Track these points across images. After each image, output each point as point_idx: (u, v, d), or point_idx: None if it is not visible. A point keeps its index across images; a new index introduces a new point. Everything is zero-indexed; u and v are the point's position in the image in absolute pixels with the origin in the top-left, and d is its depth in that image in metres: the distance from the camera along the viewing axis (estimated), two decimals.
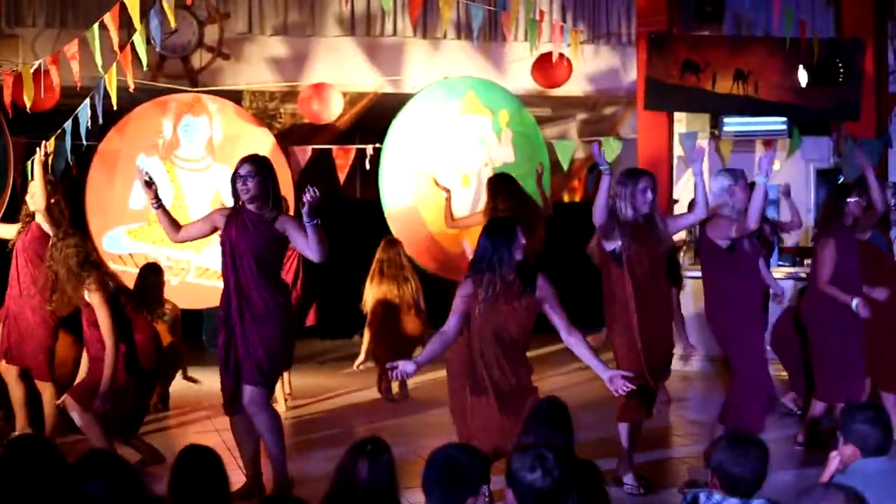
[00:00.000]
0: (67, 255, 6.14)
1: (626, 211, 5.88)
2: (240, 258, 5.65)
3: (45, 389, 6.71)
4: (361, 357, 9.07)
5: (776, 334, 7.99)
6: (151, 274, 7.52)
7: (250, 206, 5.70)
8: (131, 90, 8.43)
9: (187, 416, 8.20)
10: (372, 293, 8.96)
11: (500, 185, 8.02)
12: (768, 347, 7.43)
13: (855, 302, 6.52)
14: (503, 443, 5.05)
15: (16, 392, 6.91)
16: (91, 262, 6.19)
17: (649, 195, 5.87)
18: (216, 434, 7.34)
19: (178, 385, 8.69)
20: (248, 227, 5.66)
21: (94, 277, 6.09)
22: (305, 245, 5.61)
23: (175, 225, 5.91)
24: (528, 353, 5.41)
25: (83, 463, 3.21)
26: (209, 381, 8.63)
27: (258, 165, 5.74)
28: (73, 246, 6.19)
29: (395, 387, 8.85)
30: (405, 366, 4.97)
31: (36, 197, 6.77)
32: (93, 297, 6.04)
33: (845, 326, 6.65)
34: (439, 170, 9.56)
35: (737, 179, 6.18)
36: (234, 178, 5.73)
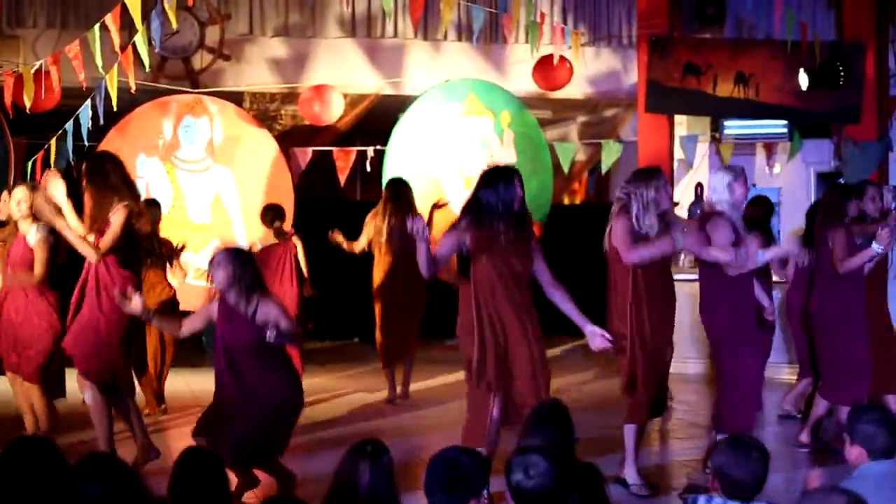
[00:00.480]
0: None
1: (646, 218, 5.82)
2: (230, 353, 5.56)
3: (33, 391, 6.64)
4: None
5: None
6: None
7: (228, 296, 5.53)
8: (133, 91, 8.44)
9: (185, 417, 8.19)
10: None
11: None
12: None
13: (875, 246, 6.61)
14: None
15: (20, 395, 6.86)
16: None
17: (669, 189, 5.94)
18: None
19: (175, 386, 8.68)
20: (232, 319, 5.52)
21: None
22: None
23: (176, 323, 5.95)
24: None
25: (83, 465, 3.20)
26: (207, 382, 8.62)
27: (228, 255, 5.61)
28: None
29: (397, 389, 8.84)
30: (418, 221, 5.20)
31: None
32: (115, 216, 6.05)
33: (853, 325, 6.70)
34: (442, 172, 9.57)
35: (737, 176, 6.23)
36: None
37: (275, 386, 5.50)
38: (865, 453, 3.83)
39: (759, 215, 7.92)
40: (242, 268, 5.45)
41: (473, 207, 5.51)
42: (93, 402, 6.19)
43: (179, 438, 7.32)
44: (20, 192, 6.46)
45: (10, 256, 6.53)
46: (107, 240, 6.04)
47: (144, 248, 7.02)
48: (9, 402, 7.54)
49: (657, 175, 5.96)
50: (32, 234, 6.38)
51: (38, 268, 6.38)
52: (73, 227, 6.09)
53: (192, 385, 9.03)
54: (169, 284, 8.13)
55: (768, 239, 7.84)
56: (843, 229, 6.76)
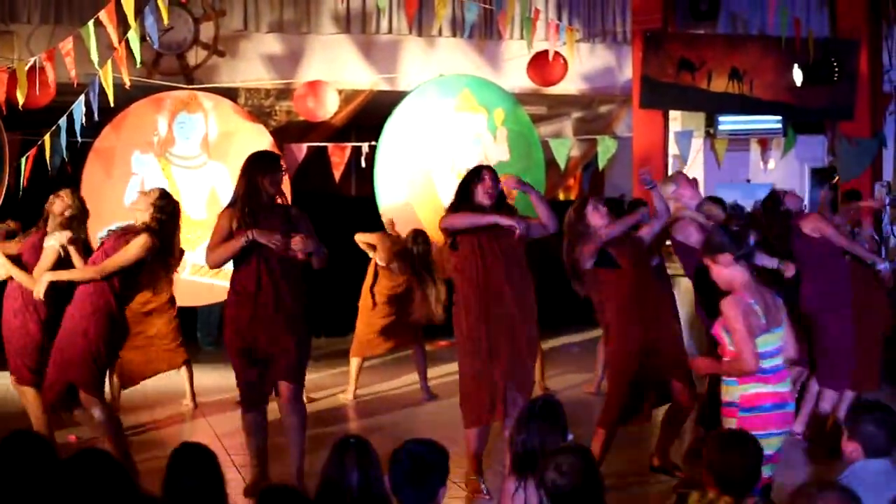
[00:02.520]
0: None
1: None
2: (269, 258, 5.63)
3: (27, 393, 6.59)
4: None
5: None
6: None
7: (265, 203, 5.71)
8: (128, 87, 8.44)
9: (180, 412, 8.20)
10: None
11: None
12: None
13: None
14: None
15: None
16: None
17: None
18: (210, 429, 7.34)
19: (171, 380, 8.66)
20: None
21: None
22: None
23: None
24: None
25: (72, 461, 3.19)
26: (202, 378, 8.63)
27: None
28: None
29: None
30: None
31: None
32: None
33: (842, 315, 6.79)
34: (434, 168, 9.57)
35: (677, 183, 6.50)
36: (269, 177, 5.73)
37: (301, 296, 5.87)
38: (861, 450, 3.84)
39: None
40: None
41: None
42: (104, 417, 6.10)
43: (179, 434, 7.33)
44: (67, 196, 6.45)
45: (23, 245, 6.53)
46: (111, 264, 5.88)
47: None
48: (7, 401, 7.55)
49: None
50: (52, 237, 6.32)
51: (36, 271, 6.32)
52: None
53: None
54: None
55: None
56: (822, 217, 6.91)
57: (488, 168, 5.93)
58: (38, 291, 6.04)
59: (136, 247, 5.87)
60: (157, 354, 7.94)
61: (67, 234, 6.26)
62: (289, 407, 5.76)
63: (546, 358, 8.69)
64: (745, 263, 4.51)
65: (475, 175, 5.87)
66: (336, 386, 9.22)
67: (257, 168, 5.73)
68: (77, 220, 6.39)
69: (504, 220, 5.66)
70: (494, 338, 5.68)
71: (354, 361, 8.66)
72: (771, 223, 6.80)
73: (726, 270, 4.50)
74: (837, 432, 5.31)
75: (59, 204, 6.39)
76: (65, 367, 5.90)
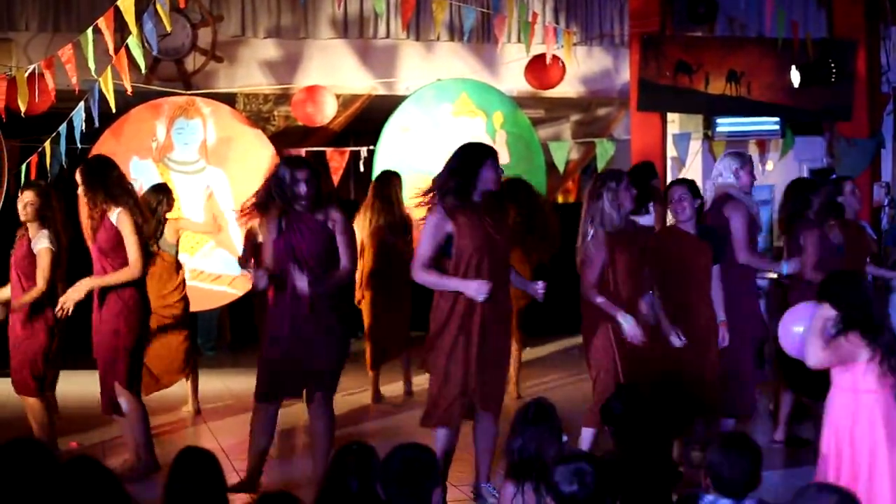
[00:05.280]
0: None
1: (612, 213, 5.70)
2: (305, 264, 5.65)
3: (29, 401, 6.58)
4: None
5: None
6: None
7: (300, 208, 5.70)
8: (129, 93, 8.45)
9: (181, 418, 8.20)
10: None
11: (512, 192, 7.79)
12: None
13: None
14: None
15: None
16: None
17: (633, 191, 5.81)
18: (210, 435, 7.35)
19: (174, 388, 8.67)
20: (306, 231, 5.69)
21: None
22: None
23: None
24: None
25: (64, 469, 3.19)
26: (203, 384, 8.62)
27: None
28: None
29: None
30: None
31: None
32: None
33: None
34: (433, 172, 9.52)
35: (744, 164, 6.50)
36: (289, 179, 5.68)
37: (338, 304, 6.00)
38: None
39: None
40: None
41: (455, 185, 5.50)
42: (129, 409, 6.13)
43: (180, 440, 7.33)
44: (28, 194, 6.47)
45: (12, 258, 6.52)
46: (134, 254, 6.01)
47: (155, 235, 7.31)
48: (5, 404, 7.55)
49: (623, 176, 5.84)
50: (38, 240, 6.37)
51: (41, 279, 6.34)
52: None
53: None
54: (178, 276, 8.04)
55: None
56: (816, 231, 6.76)
57: (494, 153, 5.68)
58: (72, 298, 6.08)
59: (128, 228, 5.96)
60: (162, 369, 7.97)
61: (46, 232, 6.37)
62: (317, 412, 5.76)
63: (541, 362, 8.69)
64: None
65: (484, 156, 5.59)
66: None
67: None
68: (47, 213, 6.45)
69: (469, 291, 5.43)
70: (476, 345, 5.49)
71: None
72: None
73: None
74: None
75: (20, 206, 6.48)
76: (110, 372, 6.07)
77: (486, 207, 5.53)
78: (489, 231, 5.46)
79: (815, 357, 4.32)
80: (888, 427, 4.20)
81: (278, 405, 5.92)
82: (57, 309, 6.13)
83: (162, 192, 7.84)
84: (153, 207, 7.56)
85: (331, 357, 5.75)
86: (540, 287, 5.65)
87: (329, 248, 5.73)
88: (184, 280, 8.07)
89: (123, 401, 6.08)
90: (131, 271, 6.01)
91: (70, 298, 6.06)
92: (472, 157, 5.53)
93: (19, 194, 6.57)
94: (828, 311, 4.27)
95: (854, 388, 4.23)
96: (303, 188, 5.62)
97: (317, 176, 5.76)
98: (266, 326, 5.87)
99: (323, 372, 5.73)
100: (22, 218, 6.46)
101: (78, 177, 6.17)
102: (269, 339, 5.79)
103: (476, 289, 5.33)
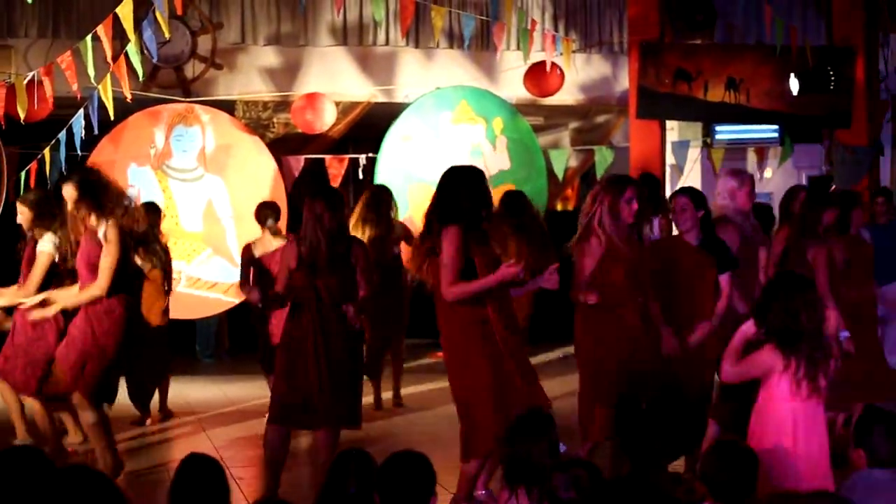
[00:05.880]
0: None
1: (608, 222, 5.65)
2: (321, 304, 5.70)
3: (34, 405, 6.60)
4: None
5: None
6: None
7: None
8: (128, 100, 8.46)
9: (182, 426, 8.19)
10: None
11: (506, 205, 7.90)
12: None
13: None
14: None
15: (10, 401, 6.84)
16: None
17: (634, 205, 5.69)
18: (209, 442, 7.34)
19: (170, 392, 8.67)
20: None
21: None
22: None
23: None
24: None
25: (61, 477, 3.18)
26: (201, 391, 8.62)
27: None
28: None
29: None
30: None
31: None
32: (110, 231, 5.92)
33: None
34: (434, 180, 9.53)
35: (742, 184, 6.32)
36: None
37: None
38: (865, 458, 3.84)
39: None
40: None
41: (465, 211, 5.41)
42: (93, 421, 6.06)
43: (178, 447, 7.32)
44: (20, 208, 6.67)
45: (23, 258, 6.62)
46: (104, 275, 5.84)
47: (148, 251, 7.31)
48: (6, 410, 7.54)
49: (627, 187, 5.75)
50: (42, 243, 6.45)
51: (30, 281, 6.38)
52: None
53: (189, 395, 9.01)
54: (164, 294, 8.03)
55: None
56: (825, 249, 6.56)
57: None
58: (41, 316, 6.12)
59: (111, 247, 5.85)
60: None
61: (51, 236, 6.41)
62: (322, 452, 5.75)
63: (542, 369, 8.67)
64: None
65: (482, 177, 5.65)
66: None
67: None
68: (45, 216, 6.47)
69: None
70: (507, 356, 5.28)
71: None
72: None
73: None
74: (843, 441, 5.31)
75: (20, 217, 6.57)
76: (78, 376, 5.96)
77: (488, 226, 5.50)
78: (495, 251, 5.43)
79: (725, 373, 4.39)
80: (798, 434, 4.19)
81: (290, 428, 5.96)
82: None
83: (154, 213, 7.90)
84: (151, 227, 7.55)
85: (342, 396, 5.74)
86: (550, 273, 5.43)
87: (347, 278, 5.83)
88: (168, 306, 8.05)
89: (90, 412, 5.99)
90: (93, 292, 5.86)
91: (39, 316, 6.19)
92: (474, 180, 5.56)
93: (17, 205, 6.65)
94: (748, 327, 4.32)
95: (771, 398, 4.25)
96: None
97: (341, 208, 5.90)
98: (277, 356, 5.88)
99: (330, 412, 5.72)
100: (24, 228, 6.58)
101: (67, 192, 6.05)
102: (280, 373, 5.80)
103: (508, 272, 5.17)
